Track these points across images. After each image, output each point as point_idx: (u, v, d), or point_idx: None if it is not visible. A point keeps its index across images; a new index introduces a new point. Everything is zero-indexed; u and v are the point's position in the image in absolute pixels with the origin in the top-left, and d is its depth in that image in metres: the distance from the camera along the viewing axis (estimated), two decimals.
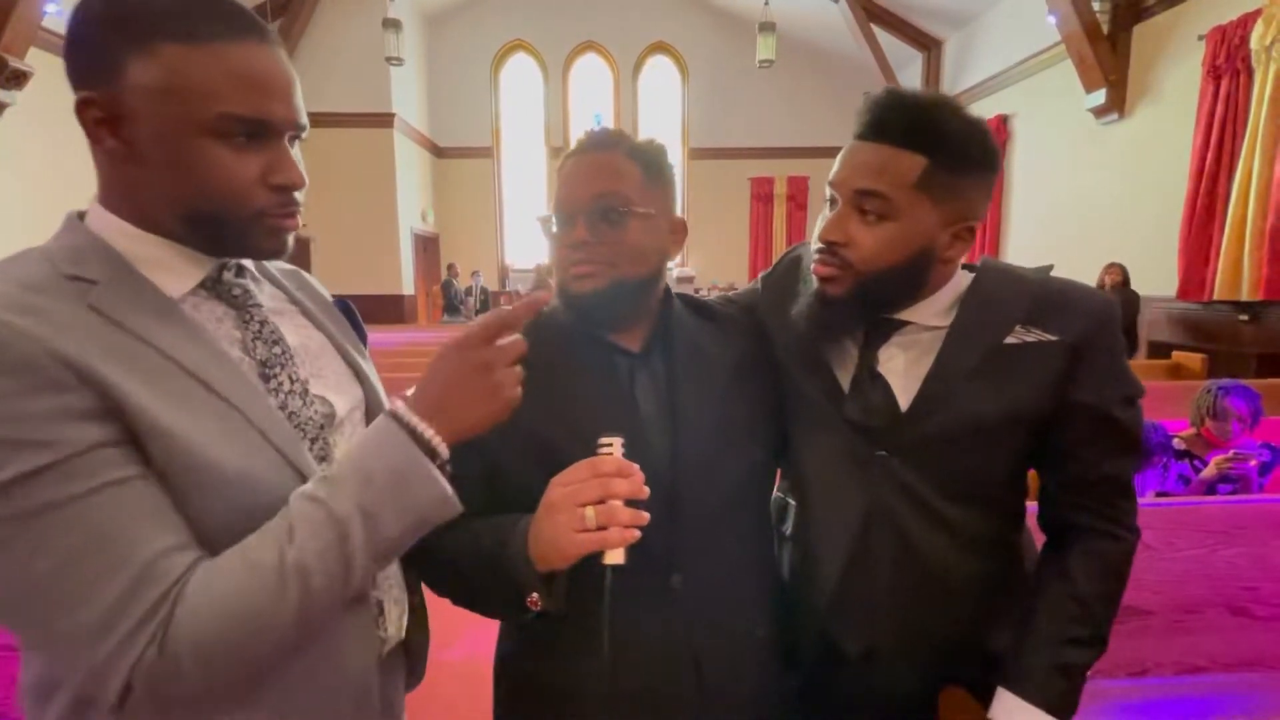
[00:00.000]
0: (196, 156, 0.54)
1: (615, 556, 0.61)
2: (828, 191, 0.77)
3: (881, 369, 0.79)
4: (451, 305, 8.58)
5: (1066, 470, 0.79)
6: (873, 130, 0.72)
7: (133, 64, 0.52)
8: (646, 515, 0.61)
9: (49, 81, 4.84)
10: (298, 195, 0.61)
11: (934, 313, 0.78)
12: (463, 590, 0.75)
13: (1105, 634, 0.77)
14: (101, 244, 0.57)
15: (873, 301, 0.76)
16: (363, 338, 0.80)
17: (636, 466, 0.63)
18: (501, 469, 0.77)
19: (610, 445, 0.64)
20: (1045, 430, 0.78)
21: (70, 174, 5.23)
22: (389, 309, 8.38)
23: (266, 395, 0.60)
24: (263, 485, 0.56)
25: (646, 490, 0.62)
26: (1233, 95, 3.89)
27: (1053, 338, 0.74)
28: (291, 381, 0.63)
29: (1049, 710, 0.73)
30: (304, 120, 0.60)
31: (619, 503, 0.61)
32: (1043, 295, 0.76)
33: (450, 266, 8.93)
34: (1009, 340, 0.75)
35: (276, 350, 0.63)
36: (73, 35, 0.54)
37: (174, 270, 0.59)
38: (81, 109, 0.54)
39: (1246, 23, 3.76)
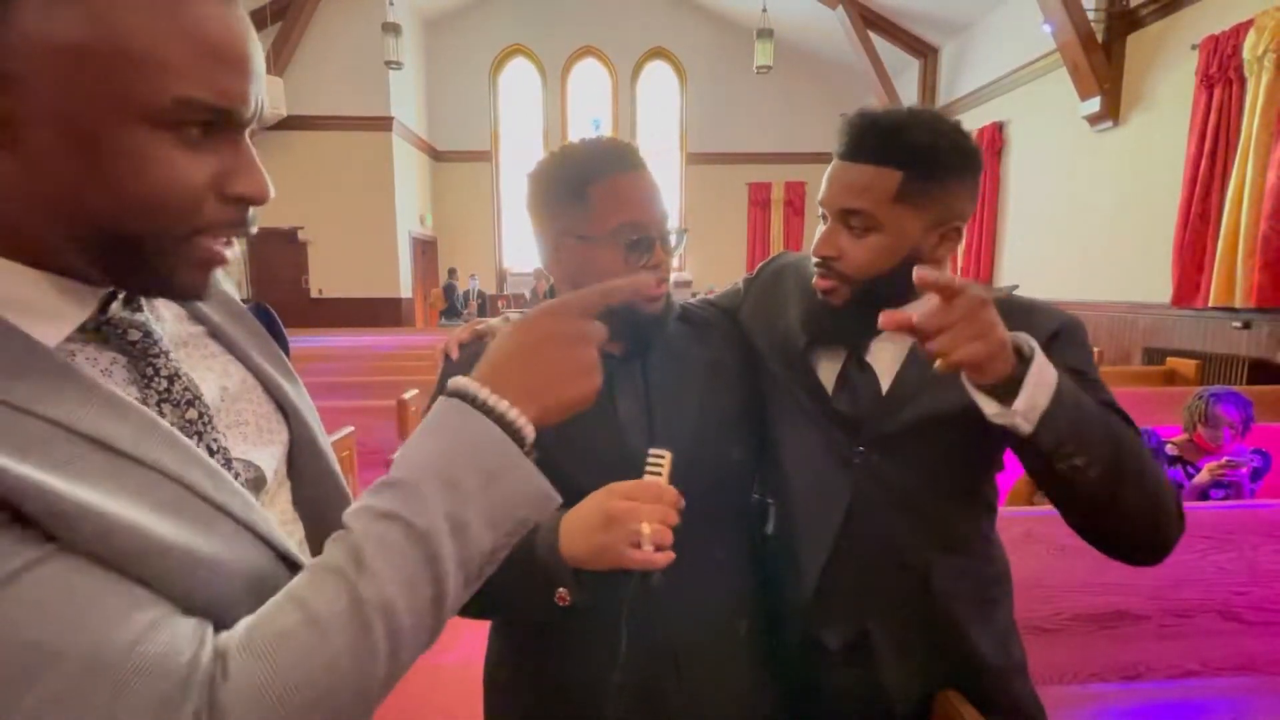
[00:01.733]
0: (126, 152, 0.37)
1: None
2: (819, 209, 0.82)
3: (869, 359, 0.83)
4: (453, 308, 8.58)
5: None
6: (850, 151, 0.77)
7: (32, 8, 0.35)
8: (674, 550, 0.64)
9: None
10: (251, 213, 0.44)
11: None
12: (481, 590, 0.73)
13: (1117, 457, 0.67)
14: None
15: (872, 305, 0.77)
16: (284, 347, 0.64)
17: (680, 498, 0.66)
18: None
19: (662, 461, 0.67)
20: None
21: None
22: (386, 312, 8.38)
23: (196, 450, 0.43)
24: (228, 557, 0.41)
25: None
26: (1226, 104, 3.92)
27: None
28: (211, 452, 0.46)
29: (1057, 387, 0.64)
30: (264, 107, 0.45)
31: (668, 531, 0.64)
32: (1006, 309, 0.75)
33: (452, 271, 8.93)
34: None
35: (191, 414, 0.46)
36: None
37: (44, 312, 0.40)
38: None
39: (1239, 32, 3.79)
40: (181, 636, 0.36)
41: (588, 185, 0.77)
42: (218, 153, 0.41)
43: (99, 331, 0.44)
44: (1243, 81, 3.82)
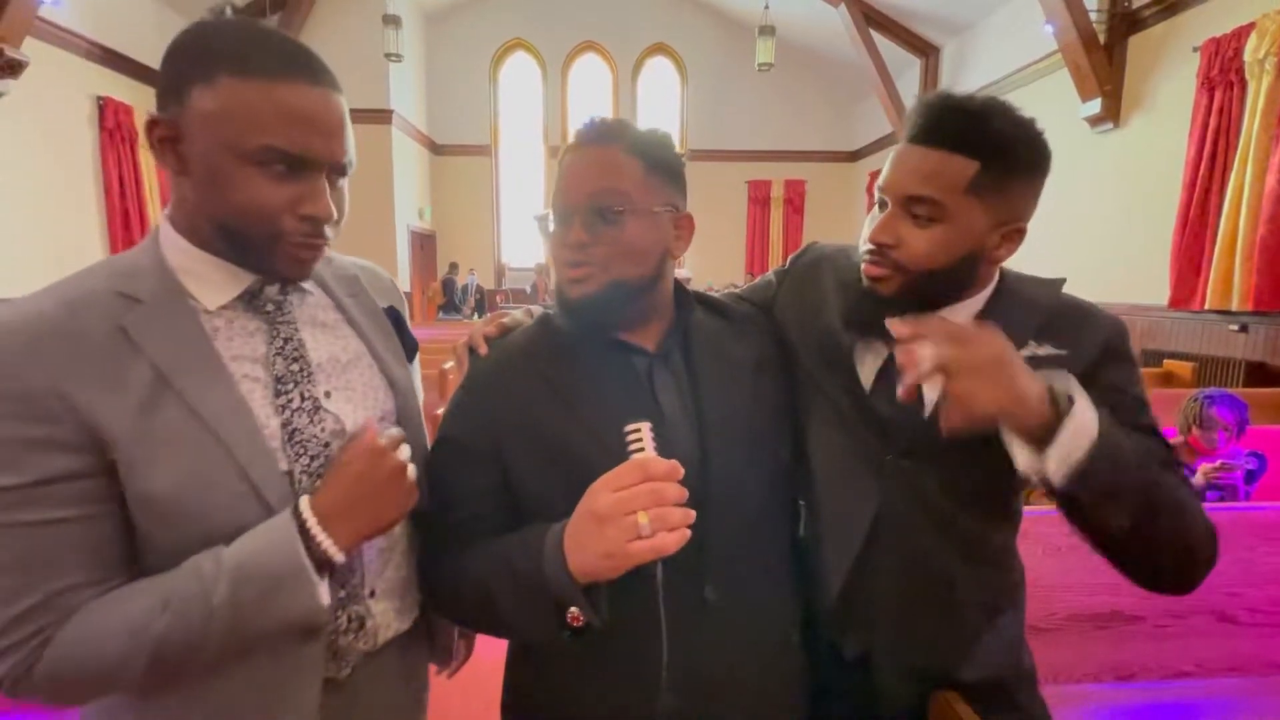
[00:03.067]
0: (233, 178, 0.59)
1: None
2: (877, 194, 0.77)
3: None
4: (452, 303, 8.55)
5: None
6: (925, 134, 0.72)
7: (195, 91, 0.58)
8: (693, 513, 0.58)
9: (44, 71, 4.81)
10: (327, 229, 0.65)
11: (970, 313, 0.79)
12: (489, 615, 0.70)
13: (1158, 510, 0.66)
14: (159, 260, 0.64)
15: (920, 300, 0.76)
16: (410, 346, 0.82)
17: (679, 465, 0.59)
18: (518, 476, 0.74)
19: (639, 432, 0.60)
20: None
21: (62, 167, 5.20)
22: None
23: (262, 425, 0.64)
24: (222, 518, 0.60)
25: (684, 491, 0.58)
26: (1226, 107, 3.93)
27: (1062, 352, 0.75)
28: (302, 399, 0.67)
29: (1097, 439, 0.61)
30: (347, 160, 0.65)
31: (671, 505, 0.57)
32: (1057, 310, 0.77)
33: (453, 265, 8.90)
34: (1023, 354, 0.74)
35: (294, 367, 0.67)
36: (164, 59, 0.61)
37: (214, 284, 0.65)
38: (149, 128, 0.61)
39: (1241, 35, 3.79)
40: (78, 602, 0.57)
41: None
42: (297, 185, 0.61)
43: (250, 304, 0.67)
44: (1244, 84, 3.82)
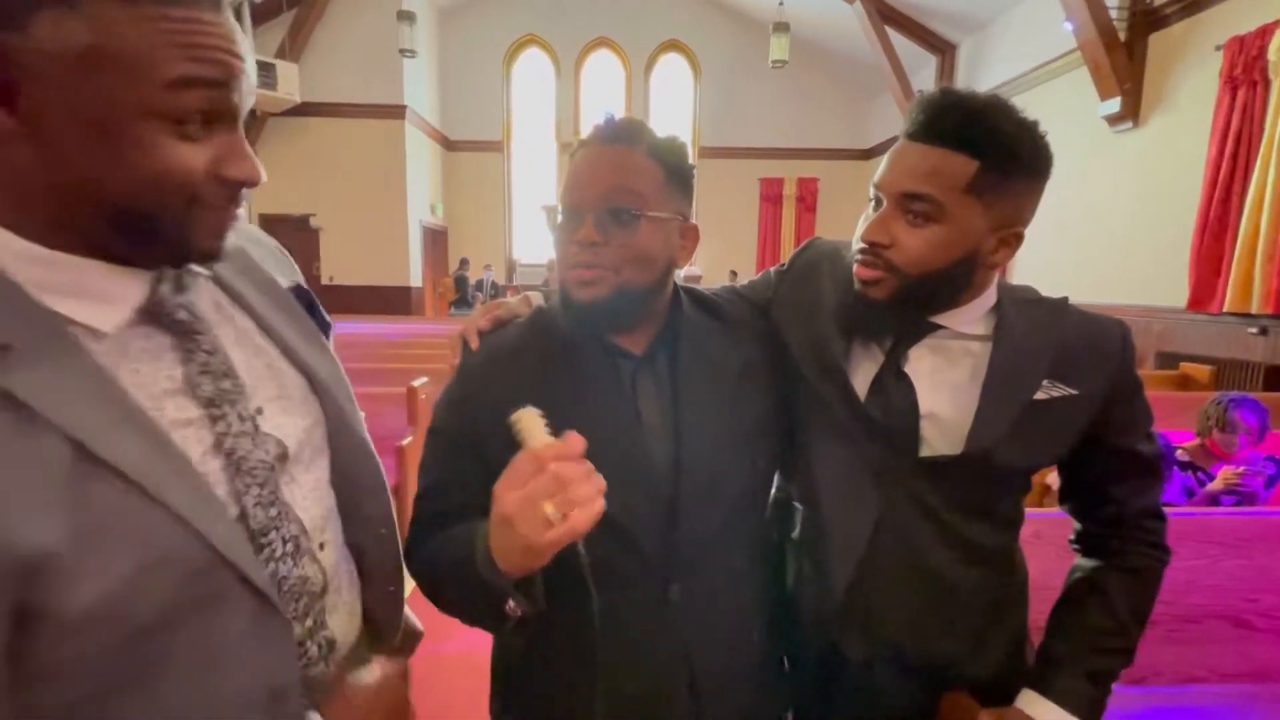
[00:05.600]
0: (133, 141, 0.44)
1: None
2: (871, 191, 0.75)
3: (907, 369, 0.78)
4: (464, 299, 8.60)
5: (1103, 511, 0.82)
6: (925, 131, 0.70)
7: (47, 17, 0.41)
8: (603, 482, 0.57)
9: None
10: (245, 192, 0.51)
11: (967, 320, 0.77)
12: (449, 604, 0.73)
13: (1134, 647, 0.80)
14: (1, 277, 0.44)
15: (914, 304, 0.75)
16: (324, 329, 0.69)
17: (574, 434, 0.57)
18: (496, 470, 0.75)
19: (520, 423, 0.59)
20: (1067, 461, 0.81)
21: None
22: (397, 300, 8.41)
23: (186, 460, 0.49)
24: (165, 592, 0.47)
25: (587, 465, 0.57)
26: (1249, 106, 3.86)
27: (1075, 392, 0.75)
28: (241, 420, 0.54)
29: (1076, 714, 0.75)
30: (252, 99, 0.52)
31: (575, 485, 0.56)
32: (1064, 344, 0.76)
33: (463, 261, 8.95)
34: (1037, 397, 0.75)
35: (225, 385, 0.53)
36: None
37: (101, 297, 0.48)
38: None
39: (1265, 33, 3.73)
40: None
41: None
42: (212, 139, 0.48)
43: (153, 317, 0.51)
44: (1268, 84, 3.75)
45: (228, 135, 0.49)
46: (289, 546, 0.56)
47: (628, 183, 0.71)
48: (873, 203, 0.75)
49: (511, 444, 0.72)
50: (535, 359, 0.78)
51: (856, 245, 0.75)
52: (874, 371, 0.79)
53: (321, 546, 0.61)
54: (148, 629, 0.46)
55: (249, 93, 0.50)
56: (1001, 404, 0.75)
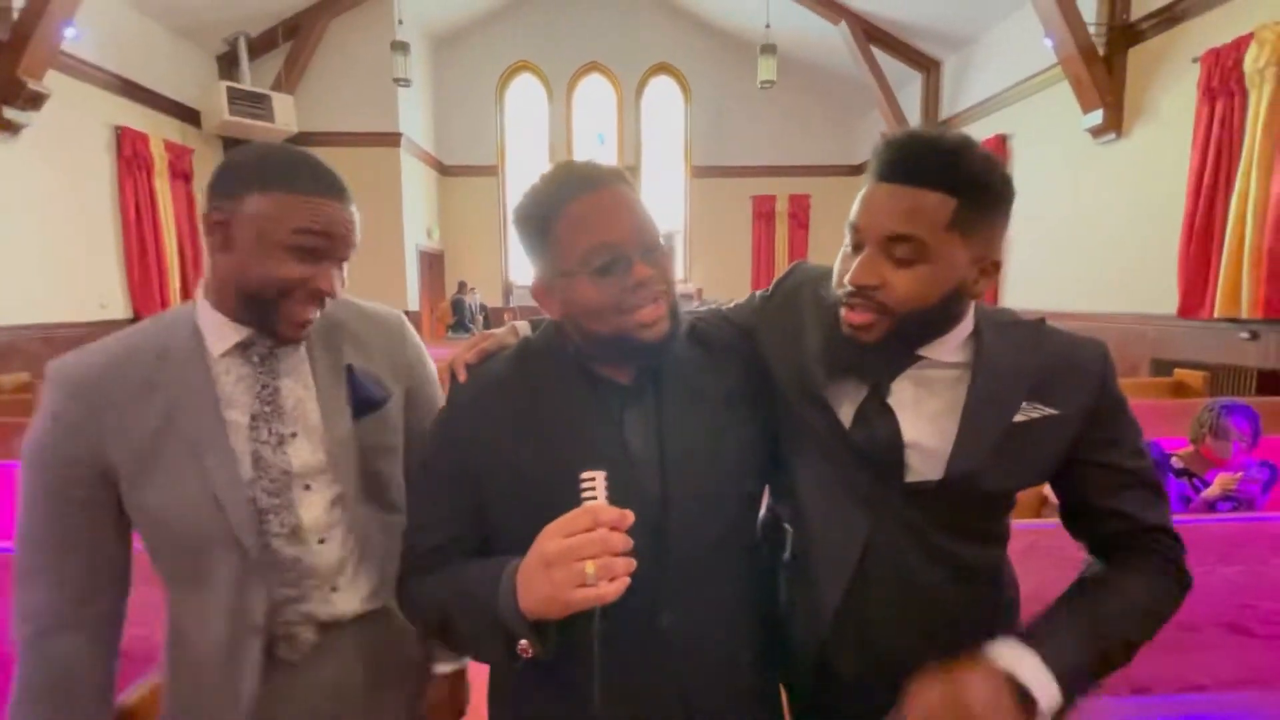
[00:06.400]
0: (266, 257, 0.77)
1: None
2: (848, 235, 0.75)
3: (890, 400, 0.78)
4: (461, 322, 8.61)
5: (1107, 526, 0.81)
6: (900, 172, 0.70)
7: (251, 195, 0.77)
8: (634, 563, 0.60)
9: (64, 103, 4.94)
10: (327, 301, 0.83)
11: (948, 349, 0.78)
12: (451, 636, 0.75)
13: (1138, 644, 0.75)
14: (189, 319, 0.83)
15: (904, 342, 0.76)
16: (362, 402, 0.89)
17: (630, 513, 0.61)
18: (486, 508, 0.77)
19: (594, 481, 0.62)
20: (1061, 483, 0.82)
21: (81, 195, 5.32)
22: None
23: (235, 452, 0.81)
24: (190, 523, 0.79)
25: (630, 540, 0.61)
26: (1228, 116, 3.94)
27: (1055, 412, 0.75)
28: (270, 434, 0.83)
29: (1058, 679, 0.68)
30: (350, 251, 0.84)
31: (616, 554, 0.59)
32: (1043, 364, 0.77)
33: (461, 284, 8.98)
34: (1018, 419, 0.76)
35: (268, 409, 0.84)
36: (219, 171, 0.79)
37: (222, 336, 0.83)
38: (208, 216, 0.79)
39: (1240, 45, 3.81)
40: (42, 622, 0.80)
41: (551, 221, 0.73)
42: (314, 267, 0.80)
43: (244, 353, 0.84)
44: (1244, 94, 3.83)
45: (326, 265, 0.81)
46: (285, 529, 0.83)
47: (651, 222, 0.76)
48: (849, 245, 0.75)
49: (498, 483, 0.76)
50: (523, 392, 0.78)
51: (843, 290, 0.74)
52: (858, 401, 0.79)
53: (321, 541, 0.86)
54: (178, 536, 0.80)
55: (347, 244, 0.83)
56: (981, 429, 0.75)
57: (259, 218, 0.76)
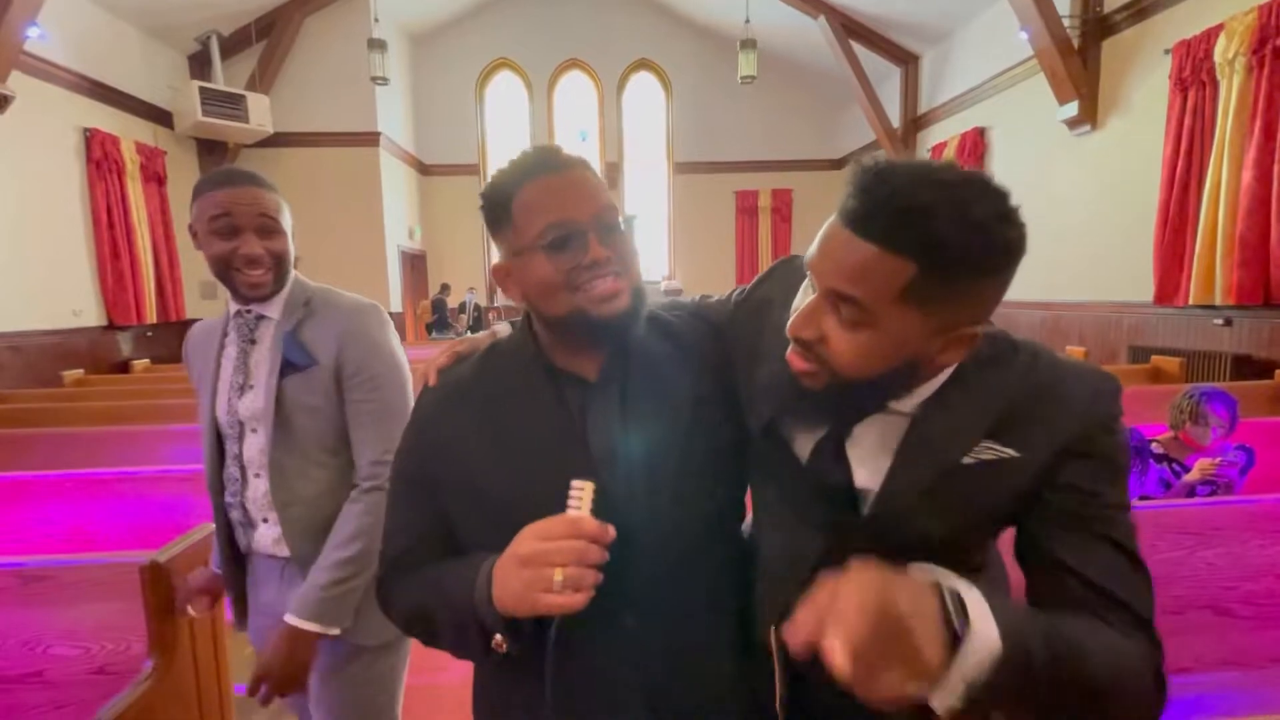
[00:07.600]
0: (207, 244, 1.12)
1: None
2: (808, 272, 0.65)
3: (849, 442, 0.71)
4: (443, 321, 8.54)
5: (1064, 589, 0.64)
6: (857, 220, 0.58)
7: (194, 205, 1.14)
8: (601, 576, 0.62)
9: (31, 106, 4.81)
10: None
11: (917, 402, 0.69)
12: (430, 634, 0.75)
13: (1087, 686, 0.58)
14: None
15: (865, 394, 0.66)
16: (290, 365, 1.13)
17: (611, 529, 0.62)
18: (449, 511, 0.78)
19: (581, 492, 0.63)
20: (1018, 541, 0.71)
21: (50, 199, 5.19)
22: None
23: (220, 389, 1.18)
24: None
25: (605, 555, 0.62)
26: (1200, 106, 4.01)
27: (1013, 454, 0.65)
28: (235, 386, 1.16)
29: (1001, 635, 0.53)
30: (259, 219, 1.13)
31: (588, 566, 0.60)
32: (1015, 400, 0.66)
33: (444, 286, 8.91)
34: (965, 460, 0.66)
35: (236, 365, 1.17)
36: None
37: (228, 307, 1.21)
38: (189, 226, 1.16)
39: (1210, 37, 3.88)
40: None
41: (509, 203, 0.73)
42: (237, 239, 1.12)
43: (236, 321, 1.19)
44: (1215, 84, 3.90)
45: (246, 236, 1.13)
46: (236, 462, 1.17)
47: (606, 195, 0.75)
48: (809, 282, 0.65)
49: (460, 489, 0.76)
50: (482, 395, 0.78)
51: (789, 332, 0.65)
52: (814, 439, 0.73)
53: (256, 475, 1.16)
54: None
55: (251, 215, 1.12)
56: (911, 470, 0.67)
57: (197, 219, 1.11)
